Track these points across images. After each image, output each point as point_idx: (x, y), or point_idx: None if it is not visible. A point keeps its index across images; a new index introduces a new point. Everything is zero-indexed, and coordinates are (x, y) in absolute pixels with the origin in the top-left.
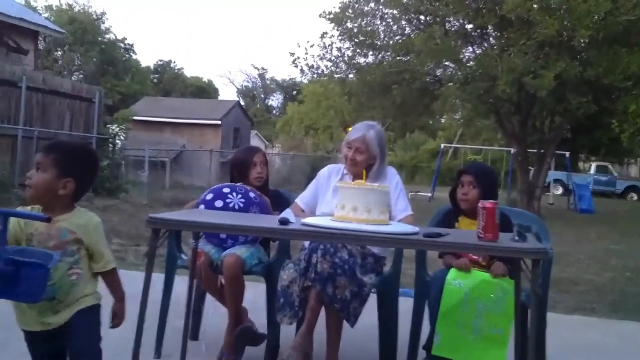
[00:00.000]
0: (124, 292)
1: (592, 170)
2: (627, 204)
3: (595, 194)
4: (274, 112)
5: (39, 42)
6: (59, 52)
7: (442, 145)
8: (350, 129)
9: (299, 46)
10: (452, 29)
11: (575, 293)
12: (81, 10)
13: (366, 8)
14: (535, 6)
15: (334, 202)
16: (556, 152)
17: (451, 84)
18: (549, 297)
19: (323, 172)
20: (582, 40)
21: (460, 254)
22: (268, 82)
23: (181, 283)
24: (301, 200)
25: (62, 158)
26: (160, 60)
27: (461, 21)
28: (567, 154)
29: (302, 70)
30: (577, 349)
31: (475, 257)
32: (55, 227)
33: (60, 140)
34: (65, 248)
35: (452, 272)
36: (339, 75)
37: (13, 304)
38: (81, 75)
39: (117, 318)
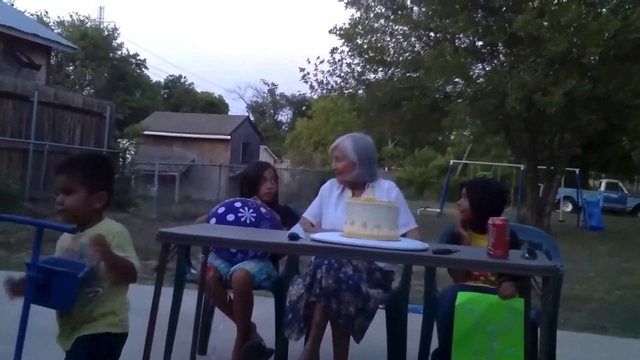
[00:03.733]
0: (121, 265)
1: (603, 187)
2: (637, 221)
3: (605, 211)
4: (284, 127)
5: (51, 58)
6: (71, 67)
7: (452, 161)
8: None
9: (309, 62)
10: (462, 46)
11: (586, 311)
12: (93, 26)
13: (376, 24)
14: (545, 23)
15: (337, 215)
16: (566, 168)
17: (461, 100)
18: (559, 315)
19: (325, 186)
20: (592, 58)
21: (470, 270)
22: (278, 97)
23: (190, 297)
24: (309, 214)
25: (88, 173)
26: (171, 76)
27: (471, 38)
28: (577, 170)
29: (311, 86)
30: None
31: (484, 272)
32: (78, 242)
33: (73, 156)
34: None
35: (462, 297)
36: (348, 91)
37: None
38: (92, 90)
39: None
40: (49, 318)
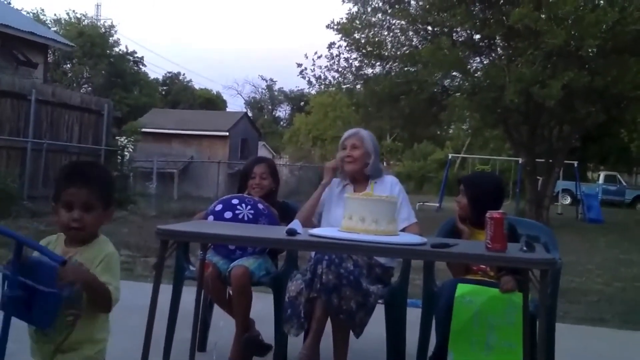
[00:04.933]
0: (97, 289)
1: (601, 180)
2: (636, 213)
3: (604, 203)
4: (282, 123)
5: (48, 56)
6: (68, 65)
7: (450, 155)
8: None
9: (306, 57)
10: (460, 40)
11: (585, 303)
12: (90, 24)
13: (374, 19)
14: (542, 16)
15: (340, 213)
16: (564, 161)
17: (459, 94)
18: (559, 308)
19: None
20: (590, 50)
21: (469, 264)
22: (276, 93)
23: (189, 294)
24: None
25: (106, 188)
26: (169, 73)
27: (469, 32)
28: (576, 163)
29: (309, 82)
30: None
31: (483, 266)
32: (68, 255)
33: (86, 167)
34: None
35: (462, 289)
36: (346, 86)
37: (30, 349)
38: (90, 88)
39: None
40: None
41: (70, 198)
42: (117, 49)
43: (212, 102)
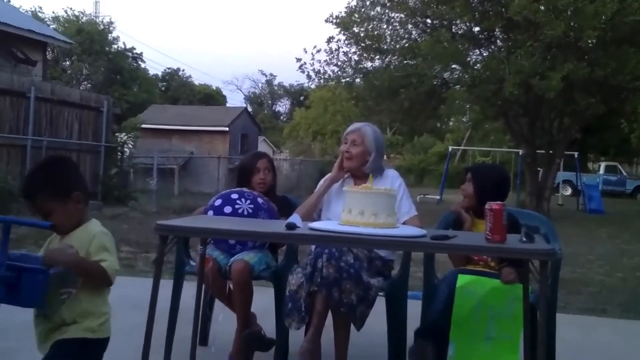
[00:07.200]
0: (91, 271)
1: (602, 171)
2: (637, 203)
3: (604, 194)
4: (282, 117)
5: (47, 53)
6: (67, 63)
7: (450, 148)
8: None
9: (306, 52)
10: (459, 32)
11: (586, 294)
12: (88, 21)
13: (372, 12)
14: (542, 7)
15: (338, 208)
16: (565, 152)
17: (458, 86)
18: (559, 298)
19: (325, 178)
20: (589, 41)
21: (470, 255)
22: (275, 88)
23: (190, 289)
24: None
25: (52, 187)
26: (169, 69)
27: (468, 24)
28: (576, 154)
29: (308, 76)
30: (587, 350)
31: (484, 257)
32: (63, 242)
33: (29, 176)
34: None
35: (463, 280)
36: (345, 80)
37: (34, 331)
38: (89, 85)
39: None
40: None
41: (32, 209)
42: (116, 46)
43: (211, 97)
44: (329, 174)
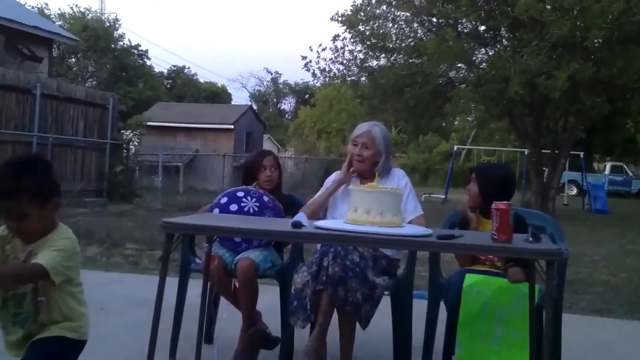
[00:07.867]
0: (10, 273)
1: (607, 171)
2: None
3: (610, 194)
4: (287, 116)
5: (53, 50)
6: (73, 59)
7: (455, 147)
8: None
9: (311, 50)
10: (465, 31)
11: (591, 294)
12: (94, 18)
13: (378, 11)
14: (547, 7)
15: (345, 207)
16: (570, 152)
17: (464, 85)
18: (565, 298)
19: (330, 178)
20: (595, 41)
21: (476, 255)
22: (281, 86)
23: (195, 287)
24: None
25: (34, 188)
26: (174, 66)
27: (473, 23)
28: (582, 154)
29: (314, 74)
30: (593, 350)
31: (490, 257)
32: (27, 250)
33: (5, 173)
34: None
35: (469, 279)
36: (351, 78)
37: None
38: (95, 82)
39: None
40: None
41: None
42: (121, 43)
43: (217, 95)
44: (335, 174)
